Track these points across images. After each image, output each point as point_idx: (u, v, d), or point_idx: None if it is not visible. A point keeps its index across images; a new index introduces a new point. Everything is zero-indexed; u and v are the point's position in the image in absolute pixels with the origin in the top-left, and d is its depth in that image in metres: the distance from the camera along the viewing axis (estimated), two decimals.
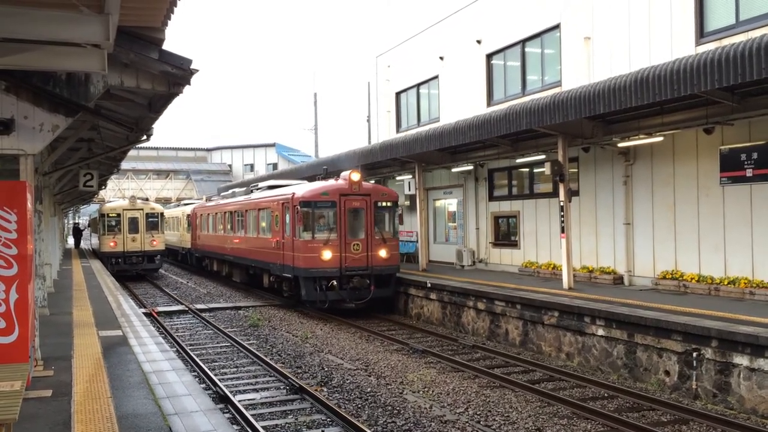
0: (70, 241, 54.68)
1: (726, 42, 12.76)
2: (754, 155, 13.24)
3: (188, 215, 36.01)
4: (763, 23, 13.15)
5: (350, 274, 18.32)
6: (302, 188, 19.40)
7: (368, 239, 18.71)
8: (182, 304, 21.87)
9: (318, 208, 18.52)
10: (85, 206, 59.22)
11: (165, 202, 55.98)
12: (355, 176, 18.83)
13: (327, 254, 18.09)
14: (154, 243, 31.74)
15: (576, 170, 17.90)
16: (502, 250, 21.56)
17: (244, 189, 27.92)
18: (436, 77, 25.85)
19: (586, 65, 18.02)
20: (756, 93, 12.36)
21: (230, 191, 29.90)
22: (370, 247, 18.66)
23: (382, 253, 18.74)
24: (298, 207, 18.32)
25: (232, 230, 26.66)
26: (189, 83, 8.99)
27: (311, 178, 24.67)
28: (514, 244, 20.97)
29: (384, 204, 19.17)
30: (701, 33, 14.73)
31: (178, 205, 44.52)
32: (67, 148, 14.13)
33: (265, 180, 29.79)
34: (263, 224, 22.14)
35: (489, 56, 22.57)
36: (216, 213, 29.86)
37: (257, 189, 25.35)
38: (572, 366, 12.75)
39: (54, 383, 8.22)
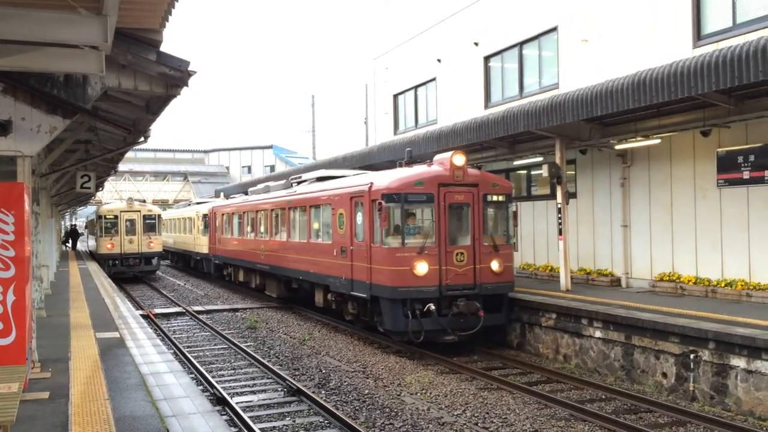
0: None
1: (723, 44, 12.79)
2: (751, 157, 13.27)
3: (205, 215, 31.28)
4: (760, 26, 13.19)
5: (453, 294, 13.46)
6: (384, 177, 14.38)
7: (475, 246, 13.81)
8: (179, 306, 21.84)
9: (410, 204, 13.74)
10: (82, 208, 59.11)
11: (162, 203, 55.94)
12: (459, 159, 13.81)
13: (422, 267, 13.17)
14: (152, 245, 31.70)
15: (573, 172, 17.92)
16: None
17: (281, 182, 22.69)
18: (434, 79, 25.87)
19: (583, 68, 18.05)
20: (753, 95, 12.39)
21: (263, 185, 24.32)
22: (477, 257, 13.78)
23: (494, 265, 13.84)
24: (382, 202, 13.28)
25: (267, 233, 21.75)
26: (187, 85, 8.99)
27: (370, 168, 19.93)
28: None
29: (495, 198, 14.30)
30: (698, 35, 14.77)
31: (189, 204, 39.59)
32: (64, 149, 14.11)
33: (309, 171, 24.32)
34: (316, 226, 17.64)
35: (486, 58, 22.60)
36: (244, 212, 24.90)
37: (300, 182, 20.65)
38: (569, 368, 12.76)
39: (51, 385, 8.21)
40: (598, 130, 15.67)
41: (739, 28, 13.73)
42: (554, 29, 19.32)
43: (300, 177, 21.16)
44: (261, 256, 22.10)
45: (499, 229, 14.52)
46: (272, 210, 21.30)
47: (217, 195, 41.16)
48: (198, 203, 36.69)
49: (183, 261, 39.07)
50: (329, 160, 27.25)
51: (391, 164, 18.22)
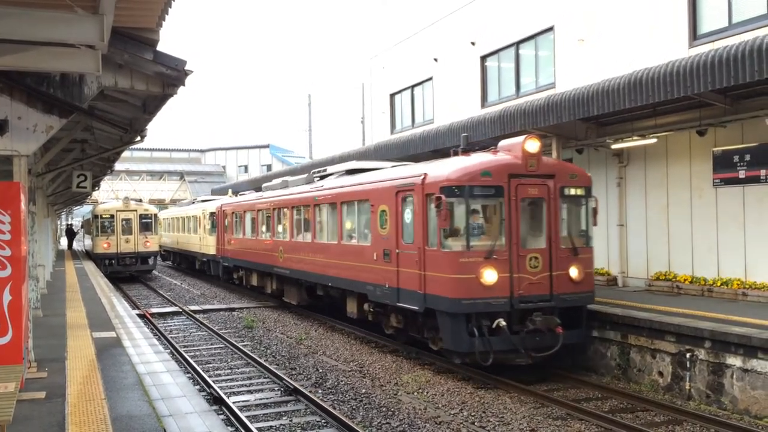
0: (63, 242, 54.51)
1: (719, 44, 12.83)
2: (747, 157, 13.31)
3: (212, 214, 29.00)
4: (756, 26, 13.23)
5: (527, 307, 11.30)
6: (441, 167, 12.08)
7: (551, 250, 11.64)
8: (176, 305, 21.83)
9: (475, 198, 11.46)
10: (78, 207, 59.02)
11: (159, 203, 55.88)
12: (533, 145, 11.63)
13: (491, 275, 11.01)
14: (148, 244, 31.68)
15: None
16: None
17: (302, 177, 20.17)
18: (431, 79, 25.88)
19: (580, 67, 18.08)
20: (748, 95, 12.43)
21: (279, 180, 22.11)
22: (554, 262, 11.61)
23: (573, 271, 11.69)
24: (441, 197, 11.11)
25: (287, 234, 19.44)
26: (183, 84, 8.99)
27: (411, 159, 17.48)
28: None
29: (574, 191, 12.14)
30: (694, 35, 14.80)
31: (194, 202, 37.08)
32: (60, 149, 14.12)
33: (334, 163, 21.73)
34: (349, 225, 15.48)
35: (483, 58, 22.61)
36: (258, 210, 22.36)
37: (325, 176, 18.26)
38: (566, 367, 12.77)
39: (48, 385, 8.20)
40: (594, 129, 15.70)
41: (734, 28, 13.76)
42: (551, 29, 19.34)
43: (324, 170, 18.63)
44: (279, 258, 19.83)
45: (578, 229, 12.31)
46: (293, 207, 18.98)
47: (224, 193, 37.41)
48: (204, 201, 34.66)
49: (186, 262, 36.82)
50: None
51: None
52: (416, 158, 18.58)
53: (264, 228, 21.86)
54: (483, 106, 22.25)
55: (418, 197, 12.02)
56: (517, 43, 20.88)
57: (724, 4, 14.14)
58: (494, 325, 11.08)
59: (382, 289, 13.35)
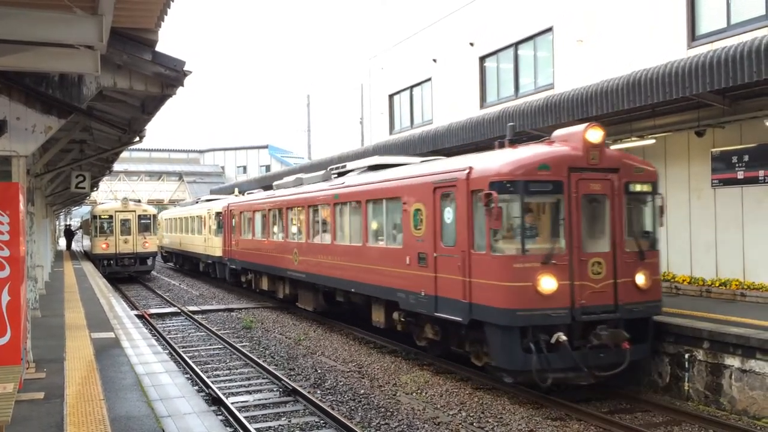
0: (62, 242, 54.50)
1: (717, 45, 12.85)
2: (745, 157, 13.33)
3: (218, 214, 27.66)
4: (754, 26, 13.25)
5: (589, 319, 10.02)
6: (489, 159, 10.74)
7: (616, 254, 10.34)
8: (174, 306, 21.81)
9: (531, 195, 10.14)
10: (77, 208, 59.01)
11: (157, 203, 55.87)
12: (596, 135, 10.32)
13: (549, 283, 9.75)
14: (147, 245, 31.67)
15: None
16: None
17: (319, 174, 18.65)
18: (429, 79, 25.89)
19: (578, 68, 18.09)
20: (747, 96, 12.44)
21: (292, 178, 20.56)
22: (618, 267, 10.30)
23: (639, 278, 10.42)
24: (492, 193, 9.81)
25: (302, 234, 18.06)
26: (182, 85, 9.00)
27: (443, 154, 16.54)
28: None
29: (639, 187, 10.81)
30: (693, 36, 14.82)
31: (197, 201, 35.60)
32: (59, 149, 14.13)
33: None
34: (376, 225, 14.18)
35: (482, 59, 22.63)
36: (270, 210, 20.99)
37: (343, 172, 17.04)
38: None
39: (46, 385, 8.20)
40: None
41: (733, 29, 13.78)
42: (549, 29, 19.36)
43: (343, 166, 17.39)
44: (294, 261, 18.40)
45: (643, 230, 11.04)
46: (309, 206, 17.61)
47: (229, 192, 35.83)
48: (209, 200, 33.31)
49: (190, 264, 35.31)
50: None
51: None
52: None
53: (276, 228, 20.56)
54: (482, 106, 22.26)
55: (462, 194, 10.70)
56: (516, 44, 20.89)
57: (722, 5, 14.16)
58: (553, 340, 9.76)
59: (416, 297, 12.07)
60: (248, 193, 26.60)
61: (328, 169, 18.32)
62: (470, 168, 10.68)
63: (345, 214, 15.61)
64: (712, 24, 14.43)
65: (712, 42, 13.98)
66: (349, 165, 17.14)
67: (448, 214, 11.22)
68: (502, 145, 11.57)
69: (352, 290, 15.04)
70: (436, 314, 11.49)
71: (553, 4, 19.14)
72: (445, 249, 11.21)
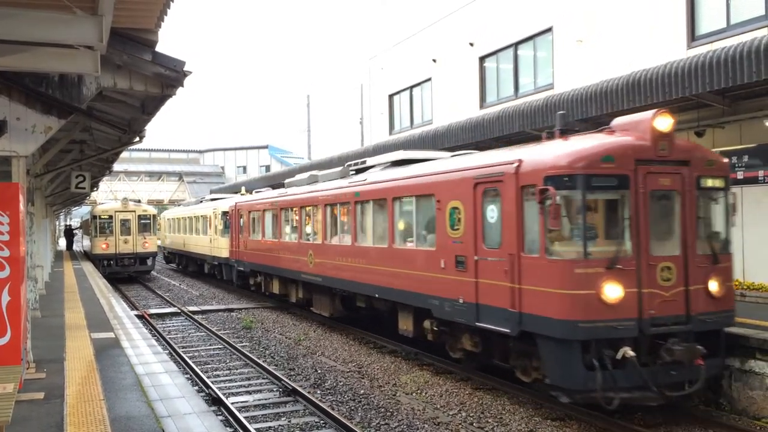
0: (62, 243, 54.54)
1: (717, 45, 12.86)
2: (745, 158, 13.33)
3: (225, 213, 26.82)
4: (754, 26, 13.26)
5: (659, 332, 8.92)
6: (543, 151, 9.57)
7: (687, 257, 9.17)
8: (174, 306, 21.81)
9: (593, 191, 9.01)
10: (76, 208, 59.05)
11: (157, 203, 55.90)
12: (665, 122, 9.07)
13: (614, 290, 8.63)
14: (146, 245, 31.68)
15: None
16: None
17: (336, 171, 17.60)
18: (429, 79, 25.91)
19: (578, 68, 18.10)
20: (747, 96, 12.46)
21: (306, 175, 19.42)
22: (690, 273, 9.13)
23: (712, 285, 9.26)
24: (549, 188, 8.73)
25: (318, 235, 17.05)
26: (182, 85, 9.01)
27: (465, 148, 15.43)
28: None
29: (711, 183, 9.62)
30: (693, 36, 14.84)
31: (202, 201, 34.52)
32: (59, 149, 14.13)
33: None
34: (403, 225, 13.14)
35: (482, 59, 22.65)
36: (281, 209, 19.82)
37: (363, 169, 15.82)
38: None
39: (46, 386, 8.20)
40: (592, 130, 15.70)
41: (733, 29, 13.80)
42: (549, 30, 19.38)
43: (363, 162, 16.10)
44: (309, 264, 17.29)
45: (716, 230, 9.82)
46: (326, 205, 16.42)
47: (237, 192, 34.10)
48: (214, 199, 32.28)
49: (194, 266, 34.10)
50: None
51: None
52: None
53: (289, 229, 19.42)
54: (482, 107, 22.28)
55: (510, 190, 9.57)
56: (516, 44, 20.91)
57: (722, 5, 14.18)
58: (619, 356, 8.62)
59: (453, 305, 10.95)
60: (256, 192, 25.55)
61: (346, 165, 17.04)
62: (519, 161, 9.50)
63: (367, 214, 14.43)
64: (712, 24, 14.45)
65: (711, 42, 13.99)
66: (370, 161, 15.85)
67: (492, 213, 10.07)
68: (551, 136, 10.22)
69: (376, 296, 13.90)
70: (477, 324, 10.34)
71: (552, 4, 19.15)
72: (489, 252, 10.11)
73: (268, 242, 21.08)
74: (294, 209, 18.85)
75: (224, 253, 26.56)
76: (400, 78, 28.22)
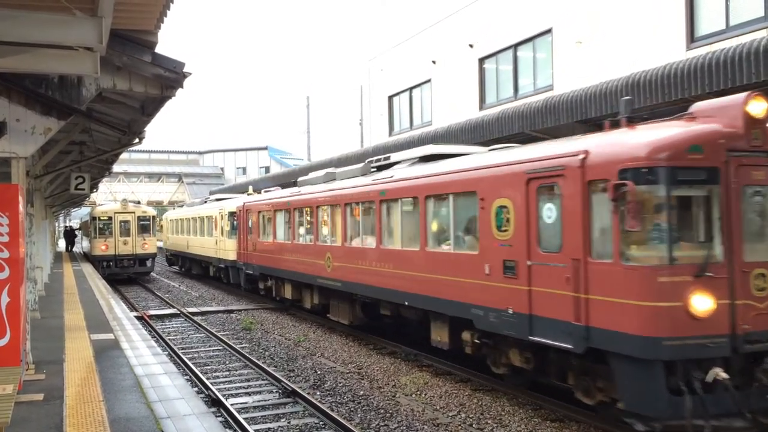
0: (61, 244, 54.54)
1: (716, 47, 12.87)
2: None
3: (232, 214, 25.69)
4: (753, 28, 13.27)
5: (753, 350, 7.71)
6: (612, 141, 8.38)
7: None
8: (174, 307, 21.81)
9: (679, 186, 7.77)
10: (76, 209, 59.06)
11: (157, 204, 55.91)
12: (759, 107, 7.95)
13: (704, 302, 7.54)
14: (146, 246, 31.68)
15: None
16: None
17: (356, 167, 16.18)
18: (429, 81, 25.92)
19: (578, 69, 18.12)
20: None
21: (322, 173, 18.18)
22: None
23: None
24: (628, 183, 7.59)
25: (338, 237, 15.73)
26: (182, 86, 9.02)
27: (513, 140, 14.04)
28: None
29: None
30: (692, 38, 14.85)
31: (206, 201, 33.52)
32: (58, 151, 14.14)
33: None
34: (436, 226, 11.96)
35: (481, 60, 22.66)
36: (295, 209, 18.65)
37: (386, 165, 14.65)
38: None
39: (46, 387, 8.20)
40: (592, 131, 15.71)
41: (732, 31, 13.81)
42: (548, 31, 19.39)
43: (387, 158, 14.78)
44: (327, 268, 16.07)
45: None
46: (346, 204, 15.22)
47: (245, 192, 32.30)
48: (219, 199, 31.12)
49: (198, 268, 32.85)
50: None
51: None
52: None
53: (303, 230, 18.23)
54: (481, 108, 22.29)
55: (574, 185, 8.41)
56: (515, 46, 20.92)
57: (721, 6, 14.19)
58: (710, 378, 7.41)
59: (500, 315, 9.67)
60: (265, 191, 24.43)
61: (367, 162, 15.69)
62: (585, 152, 8.35)
63: (394, 213, 13.25)
64: (711, 26, 14.46)
65: (710, 44, 13.99)
66: (395, 156, 14.56)
67: (550, 212, 8.87)
68: (615, 125, 8.88)
69: (405, 303, 12.59)
70: (530, 338, 9.13)
71: (552, 5, 19.17)
72: (546, 256, 8.89)
73: (280, 244, 19.96)
74: (310, 209, 17.68)
75: (231, 256, 25.49)
76: (399, 79, 28.23)
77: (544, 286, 8.88)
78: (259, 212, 21.93)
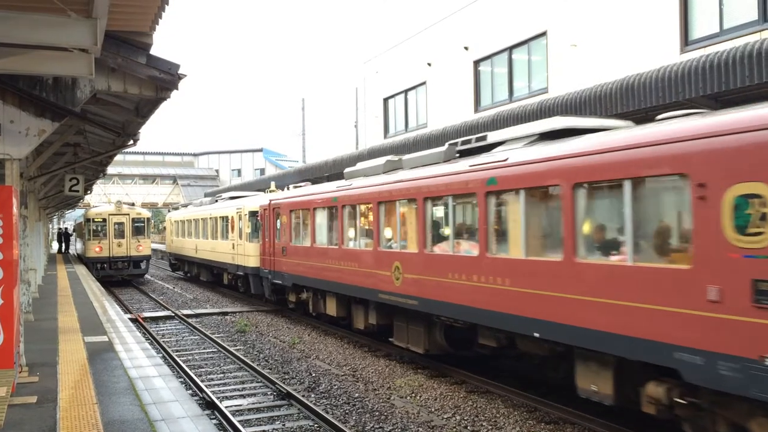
0: (55, 246, 54.35)
1: (710, 50, 12.92)
2: None
3: (253, 213, 22.32)
4: (747, 31, 13.33)
5: None
6: None
7: None
8: (168, 309, 21.76)
9: None
10: (70, 211, 58.87)
11: (151, 206, 55.79)
12: None
13: None
14: (140, 248, 31.60)
15: None
16: None
17: (432, 153, 12.45)
18: (424, 83, 25.95)
19: (572, 72, 18.16)
20: (739, 101, 12.48)
21: (382, 161, 14.37)
22: None
23: None
24: None
25: (411, 242, 12.40)
26: (177, 88, 9.01)
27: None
28: None
29: None
30: (686, 41, 14.90)
31: (217, 200, 29.79)
32: (53, 152, 14.08)
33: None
34: (589, 228, 8.50)
35: (476, 63, 22.70)
36: (344, 207, 15.09)
37: (477, 148, 11.18)
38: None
39: (39, 389, 8.16)
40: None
41: (726, 34, 13.86)
42: (543, 34, 19.44)
43: (483, 138, 11.24)
44: (394, 281, 12.71)
45: None
46: (425, 200, 11.81)
47: (270, 187, 27.41)
48: (235, 197, 27.41)
49: (209, 275, 29.37)
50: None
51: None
52: None
53: (355, 232, 14.84)
54: (476, 110, 22.32)
55: None
56: (510, 48, 20.96)
57: (715, 10, 14.24)
58: None
59: (742, 367, 6.26)
60: (294, 187, 21.82)
61: (448, 144, 12.10)
62: None
63: (513, 209, 9.78)
64: (705, 29, 14.51)
65: (704, 47, 14.05)
66: (494, 136, 11.02)
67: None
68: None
69: (535, 335, 9.07)
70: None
71: (547, 8, 19.22)
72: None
73: (321, 249, 16.43)
74: (367, 206, 14.23)
75: (252, 262, 22.21)
76: (395, 81, 28.25)
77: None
78: (291, 211, 18.56)
